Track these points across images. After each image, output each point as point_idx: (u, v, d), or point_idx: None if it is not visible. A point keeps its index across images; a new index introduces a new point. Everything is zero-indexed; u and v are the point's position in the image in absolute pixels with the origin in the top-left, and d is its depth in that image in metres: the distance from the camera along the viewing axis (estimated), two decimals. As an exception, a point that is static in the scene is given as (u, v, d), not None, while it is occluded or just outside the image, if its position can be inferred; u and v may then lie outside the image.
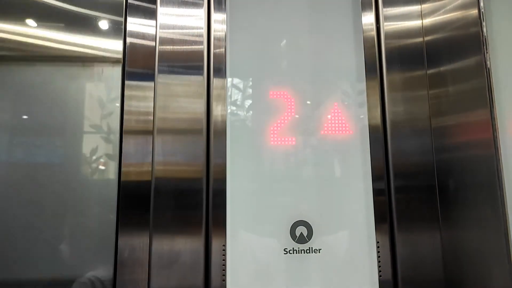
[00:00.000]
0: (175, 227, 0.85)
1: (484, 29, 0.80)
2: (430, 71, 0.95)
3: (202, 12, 0.94)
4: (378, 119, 0.92)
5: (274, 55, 0.95)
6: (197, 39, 0.92)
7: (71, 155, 0.89)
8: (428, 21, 0.97)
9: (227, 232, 0.85)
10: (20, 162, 0.87)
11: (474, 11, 0.82)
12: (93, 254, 0.85)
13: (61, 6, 0.89)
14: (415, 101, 0.94)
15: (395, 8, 0.98)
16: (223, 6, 0.94)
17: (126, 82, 0.90)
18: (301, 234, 0.87)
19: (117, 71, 0.88)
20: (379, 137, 0.92)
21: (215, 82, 0.91)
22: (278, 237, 0.87)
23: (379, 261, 0.87)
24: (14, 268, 0.83)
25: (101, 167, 0.89)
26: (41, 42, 0.89)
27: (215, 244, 0.85)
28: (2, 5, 0.88)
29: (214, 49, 0.92)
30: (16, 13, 0.89)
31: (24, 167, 0.87)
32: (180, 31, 0.93)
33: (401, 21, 0.98)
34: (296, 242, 0.87)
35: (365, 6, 0.97)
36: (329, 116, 0.93)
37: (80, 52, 0.90)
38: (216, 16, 0.93)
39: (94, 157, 0.89)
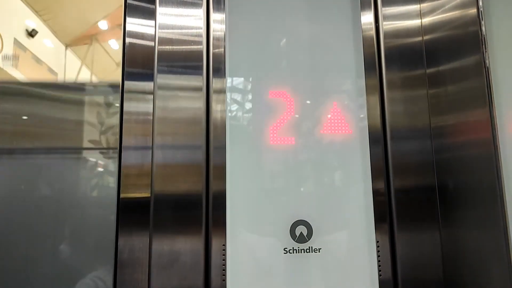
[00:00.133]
0: (175, 227, 0.85)
1: (483, 28, 0.80)
2: (429, 70, 0.95)
3: (201, 12, 0.94)
4: (377, 119, 0.92)
5: (273, 54, 0.95)
6: (196, 39, 0.92)
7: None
8: (427, 20, 0.97)
9: (227, 232, 0.85)
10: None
11: (473, 10, 0.82)
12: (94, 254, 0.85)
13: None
14: (414, 100, 0.94)
15: (394, 8, 0.98)
16: (222, 6, 0.94)
17: (125, 82, 0.90)
18: (301, 233, 0.87)
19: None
20: (378, 136, 0.92)
21: (215, 82, 0.91)
22: (278, 236, 0.87)
23: (379, 261, 0.87)
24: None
25: (100, 169, 0.88)
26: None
27: (215, 244, 0.85)
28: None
29: (213, 49, 0.92)
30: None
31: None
32: (179, 31, 0.92)
33: (400, 20, 0.98)
34: (296, 241, 0.87)
35: (364, 6, 0.97)
36: (328, 116, 0.93)
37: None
38: (215, 16, 0.93)
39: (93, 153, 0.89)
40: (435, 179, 0.91)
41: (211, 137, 0.88)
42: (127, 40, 0.91)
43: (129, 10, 0.93)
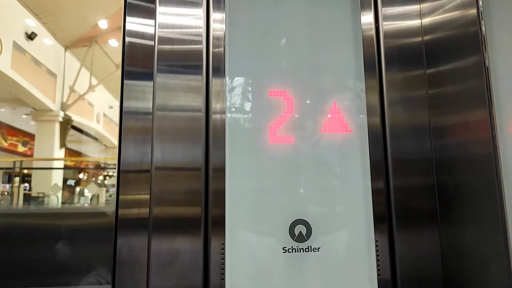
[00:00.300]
0: (174, 226, 0.85)
1: (483, 28, 0.80)
2: (429, 71, 0.95)
3: (201, 11, 0.94)
4: (377, 118, 0.92)
5: (273, 54, 0.95)
6: (196, 38, 0.92)
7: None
8: (427, 20, 0.97)
9: (226, 231, 0.85)
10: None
11: (473, 11, 0.82)
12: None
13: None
14: (414, 100, 0.94)
15: (394, 8, 0.98)
16: (222, 6, 0.94)
17: (125, 82, 0.90)
18: (300, 233, 0.87)
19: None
20: (378, 136, 0.92)
21: (214, 81, 0.91)
22: (277, 236, 0.87)
23: (378, 260, 0.87)
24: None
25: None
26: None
27: (214, 243, 0.84)
28: None
29: (213, 48, 0.92)
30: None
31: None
32: (179, 30, 0.93)
33: (400, 20, 0.98)
34: (295, 241, 0.87)
35: (364, 6, 0.97)
36: (328, 115, 0.93)
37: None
38: (215, 15, 0.93)
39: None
40: (435, 179, 0.91)
41: (210, 136, 0.88)
42: (127, 39, 0.92)
43: (129, 9, 0.93)
